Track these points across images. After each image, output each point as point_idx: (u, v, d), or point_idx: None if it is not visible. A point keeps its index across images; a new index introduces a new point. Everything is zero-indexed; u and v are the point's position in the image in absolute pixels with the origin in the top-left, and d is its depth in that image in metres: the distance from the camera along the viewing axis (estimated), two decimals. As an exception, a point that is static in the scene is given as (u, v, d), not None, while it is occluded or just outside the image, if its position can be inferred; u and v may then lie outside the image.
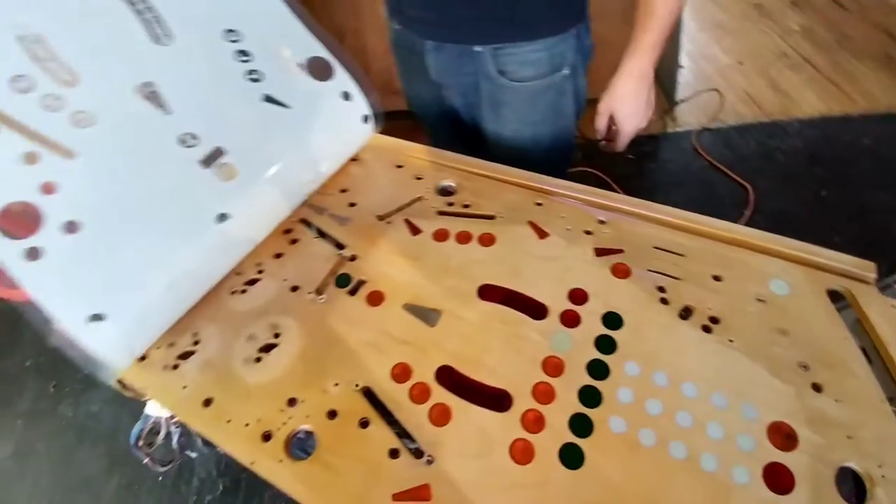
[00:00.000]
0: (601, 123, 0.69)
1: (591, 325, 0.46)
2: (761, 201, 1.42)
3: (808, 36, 2.00)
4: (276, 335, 0.50)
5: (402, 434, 0.42)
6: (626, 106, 0.65)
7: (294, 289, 0.53)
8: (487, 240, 0.54)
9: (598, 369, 0.44)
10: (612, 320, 0.47)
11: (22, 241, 0.40)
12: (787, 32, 2.03)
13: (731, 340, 0.44)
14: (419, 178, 0.62)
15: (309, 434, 0.43)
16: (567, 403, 0.42)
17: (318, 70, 0.59)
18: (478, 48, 0.64)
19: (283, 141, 0.58)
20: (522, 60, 0.64)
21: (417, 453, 0.40)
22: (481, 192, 0.60)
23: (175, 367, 0.49)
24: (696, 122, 1.64)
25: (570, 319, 0.47)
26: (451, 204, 0.59)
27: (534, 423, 0.41)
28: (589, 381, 0.43)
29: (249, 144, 0.55)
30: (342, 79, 0.61)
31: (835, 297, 0.48)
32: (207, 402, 0.46)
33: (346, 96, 0.62)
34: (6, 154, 0.39)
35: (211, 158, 0.52)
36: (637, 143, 1.61)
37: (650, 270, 0.50)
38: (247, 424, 0.44)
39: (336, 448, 0.42)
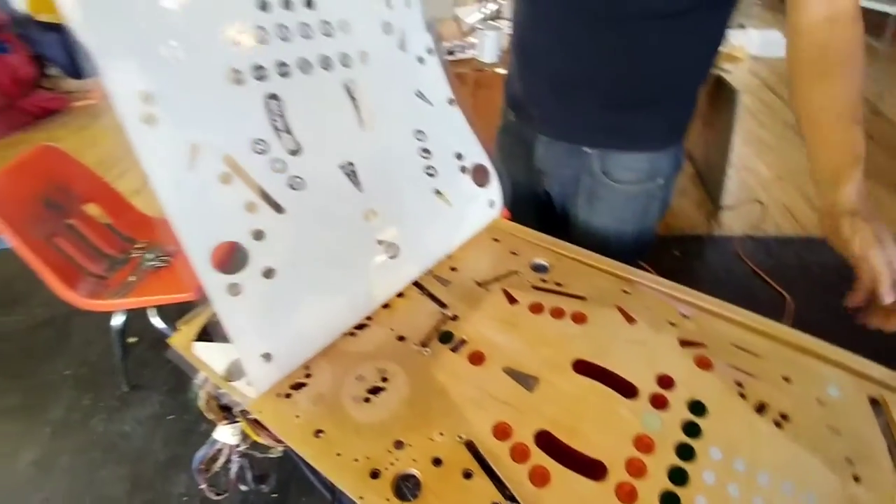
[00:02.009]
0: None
1: (679, 410, 0.50)
2: (799, 310, 1.46)
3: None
4: (384, 379, 0.54)
5: (504, 490, 0.45)
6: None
7: (400, 338, 0.58)
8: (580, 318, 0.60)
9: (686, 451, 0.47)
10: (698, 407, 0.51)
11: (229, 277, 0.47)
12: (823, 155, 2.16)
13: (796, 437, 0.48)
14: (514, 254, 0.69)
15: (413, 478, 0.47)
16: (657, 480, 0.45)
17: (479, 176, 0.71)
18: (587, 150, 0.73)
19: (439, 231, 0.68)
20: (626, 166, 0.73)
21: (519, 509, 0.43)
22: (571, 274, 0.66)
23: (288, 395, 0.54)
24: (740, 229, 1.72)
25: (658, 402, 0.51)
26: (544, 280, 0.65)
27: (628, 495, 0.44)
28: (677, 461, 0.46)
29: (413, 228, 0.64)
30: (494, 187, 0.72)
31: (872, 402, 0.52)
32: (318, 433, 0.50)
33: (491, 204, 0.74)
34: (235, 200, 0.46)
35: (385, 240, 0.61)
36: (684, 241, 1.69)
37: (730, 365, 0.54)
38: (356, 460, 0.48)
39: (441, 494, 0.45)
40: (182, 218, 0.42)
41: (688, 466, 0.46)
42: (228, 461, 0.83)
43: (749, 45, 3.42)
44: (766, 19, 3.72)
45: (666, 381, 0.53)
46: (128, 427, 1.38)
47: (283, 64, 0.48)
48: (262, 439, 0.67)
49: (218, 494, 0.83)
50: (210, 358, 0.59)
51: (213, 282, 0.46)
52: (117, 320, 1.29)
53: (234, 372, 0.57)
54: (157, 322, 1.27)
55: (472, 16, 3.47)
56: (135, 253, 1.35)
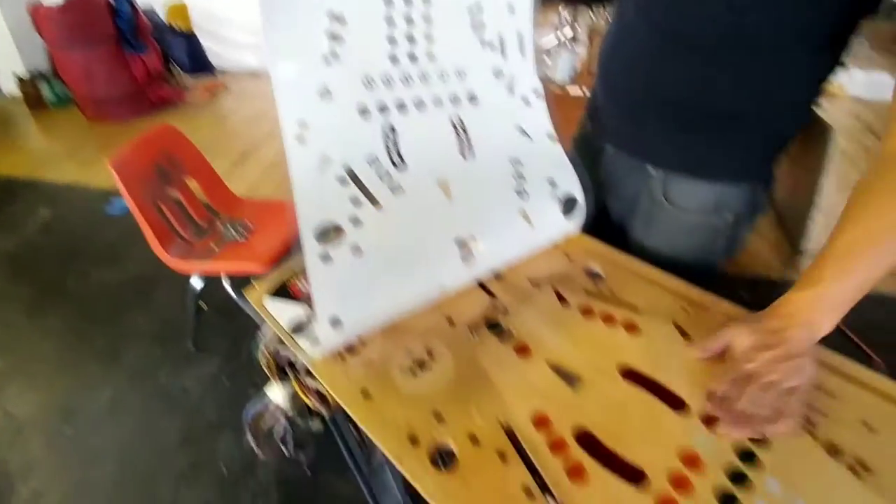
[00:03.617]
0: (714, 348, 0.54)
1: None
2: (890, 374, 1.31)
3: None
4: (430, 356, 0.56)
5: (538, 478, 0.45)
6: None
7: (450, 322, 0.60)
8: (631, 328, 0.59)
9: (737, 476, 0.44)
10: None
11: (324, 247, 0.54)
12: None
13: (879, 490, 0.44)
14: (569, 258, 0.69)
15: (451, 452, 0.48)
16: (703, 499, 0.43)
17: (568, 206, 0.75)
18: (651, 169, 0.72)
19: (516, 245, 0.72)
20: (688, 193, 0.70)
21: (551, 497, 0.43)
22: (626, 284, 0.65)
23: (342, 358, 0.57)
24: (821, 279, 1.59)
25: (710, 421, 0.49)
26: (597, 287, 0.64)
27: (668, 506, 0.43)
28: (727, 483, 0.44)
29: (492, 239, 0.68)
30: (579, 217, 0.75)
31: None
32: (366, 395, 0.52)
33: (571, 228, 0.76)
34: (344, 194, 0.56)
35: (463, 244, 0.67)
36: (755, 284, 1.59)
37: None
38: (397, 425, 0.49)
39: (476, 469, 0.46)
40: (303, 202, 0.52)
41: (738, 491, 0.44)
42: (275, 423, 0.89)
43: (851, 85, 3.16)
44: (874, 59, 3.44)
45: (721, 402, 0.50)
46: (188, 383, 1.49)
47: (402, 105, 0.59)
48: (309, 401, 0.71)
49: (261, 451, 0.88)
50: (278, 312, 0.64)
51: (312, 248, 0.54)
52: (196, 283, 1.41)
53: (298, 327, 0.62)
54: (227, 288, 1.37)
55: (547, 38, 3.51)
56: (218, 225, 1.47)
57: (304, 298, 0.66)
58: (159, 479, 1.26)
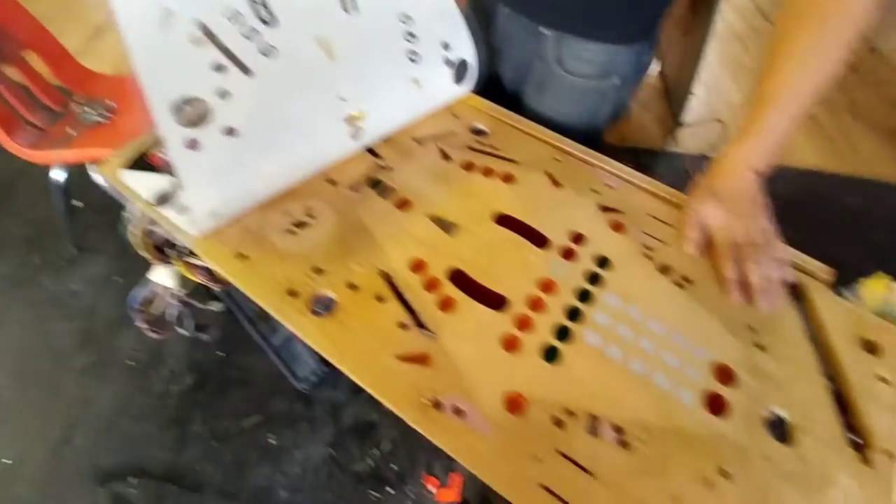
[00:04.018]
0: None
1: (584, 262, 0.54)
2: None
3: (818, 95, 2.12)
4: (311, 216, 0.56)
5: (412, 312, 0.48)
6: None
7: (331, 182, 0.59)
8: (508, 178, 0.61)
9: (584, 295, 0.51)
10: (602, 261, 0.54)
11: (188, 131, 0.47)
12: (798, 87, 2.15)
13: (697, 298, 0.53)
14: (456, 116, 0.68)
15: (330, 299, 0.50)
16: (554, 314, 0.49)
17: (460, 71, 0.70)
18: (545, 31, 0.70)
19: (405, 111, 0.67)
20: (580, 56, 0.70)
21: (422, 328, 0.47)
22: (509, 140, 0.66)
23: (217, 229, 0.54)
24: (696, 148, 1.74)
25: (568, 254, 0.55)
26: (480, 143, 0.65)
27: (523, 323, 0.48)
28: (575, 302, 0.51)
29: (380, 107, 0.63)
30: (471, 82, 0.72)
31: (794, 288, 0.57)
32: (241, 257, 0.52)
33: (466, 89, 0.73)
34: (203, 60, 0.47)
35: (350, 120, 0.60)
36: (637, 154, 1.71)
37: (643, 231, 0.58)
38: (276, 281, 0.50)
39: (353, 312, 0.48)
40: (149, 71, 0.43)
41: (584, 307, 0.50)
42: (167, 306, 0.86)
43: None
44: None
45: (578, 238, 0.56)
46: (76, 286, 1.38)
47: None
48: (196, 279, 0.69)
49: (156, 333, 0.87)
50: (138, 185, 0.59)
51: (174, 134, 0.47)
52: (58, 175, 1.24)
53: (163, 198, 0.57)
54: (98, 179, 1.23)
55: None
56: (73, 106, 1.26)
57: (167, 168, 0.61)
58: (64, 381, 1.22)
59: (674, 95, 1.89)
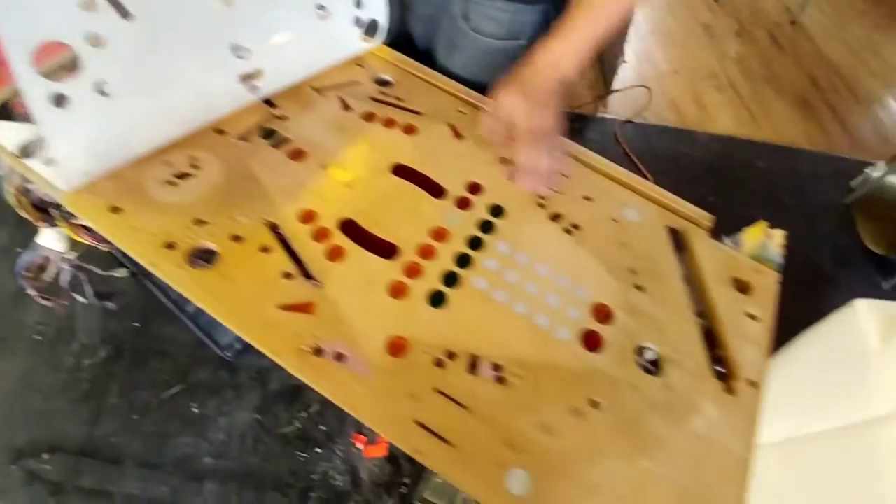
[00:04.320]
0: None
1: (479, 211, 0.55)
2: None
3: (741, 64, 2.22)
4: (194, 166, 0.53)
5: (299, 262, 0.47)
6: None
7: (219, 131, 0.56)
8: (410, 129, 0.60)
9: (475, 242, 0.52)
10: (497, 210, 0.55)
11: (54, 85, 0.41)
12: (724, 56, 2.24)
13: (583, 242, 0.55)
14: (360, 66, 0.66)
15: (211, 252, 0.48)
16: (443, 261, 0.50)
17: (370, 31, 0.67)
18: None
19: (309, 70, 0.63)
20: (486, 14, 0.68)
21: (308, 278, 0.46)
22: (414, 91, 0.65)
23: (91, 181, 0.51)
24: (624, 114, 1.79)
25: (462, 203, 0.55)
26: (384, 94, 0.64)
27: (412, 270, 0.49)
28: (465, 249, 0.51)
29: (285, 66, 0.60)
30: (380, 38, 0.69)
31: (675, 234, 0.60)
32: (116, 210, 0.48)
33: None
34: None
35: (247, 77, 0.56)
36: (570, 119, 1.74)
37: (539, 182, 0.59)
38: (152, 234, 0.47)
39: (235, 264, 0.47)
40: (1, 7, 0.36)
41: (474, 254, 0.51)
42: (59, 272, 0.81)
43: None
44: None
45: (474, 188, 0.57)
46: (-32, 257, 1.27)
47: None
48: (82, 239, 0.65)
49: (50, 301, 0.82)
50: (1, 136, 0.53)
51: (35, 88, 0.41)
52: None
53: (27, 150, 0.52)
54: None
55: None
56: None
57: (30, 117, 0.55)
58: (-41, 361, 1.12)
59: (606, 63, 1.92)
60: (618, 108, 1.82)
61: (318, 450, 1.09)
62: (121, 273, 0.96)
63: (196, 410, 1.11)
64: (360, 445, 1.09)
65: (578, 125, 1.78)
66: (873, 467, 0.71)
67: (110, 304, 1.04)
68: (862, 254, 1.69)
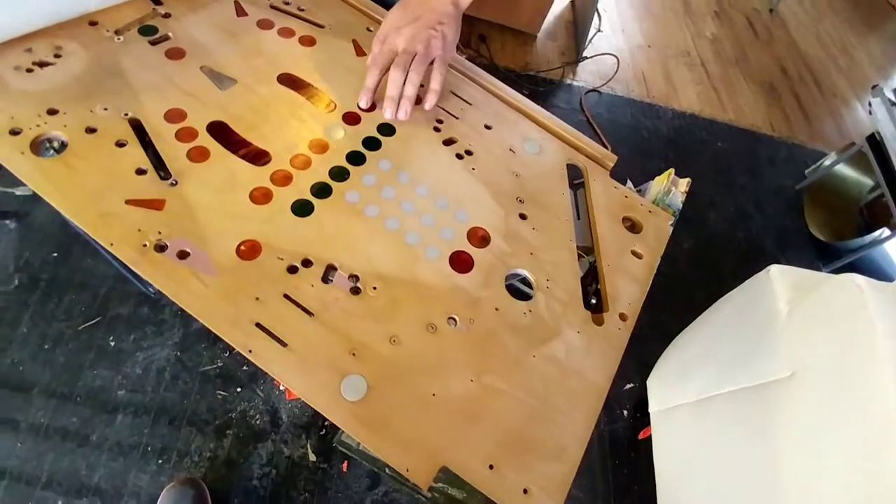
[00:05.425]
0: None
1: (368, 128, 0.52)
2: (618, 163, 1.60)
3: (715, 45, 2.20)
4: (57, 56, 0.49)
5: (156, 159, 0.45)
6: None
7: (92, 23, 0.52)
8: (308, 41, 0.57)
9: (357, 158, 0.50)
10: (387, 129, 0.53)
11: None
12: (699, 35, 2.22)
13: (473, 168, 0.53)
14: (266, -27, 0.62)
15: (61, 141, 0.44)
16: (318, 174, 0.48)
17: None
18: None
19: None
20: None
21: (164, 176, 0.44)
22: (319, 3, 0.61)
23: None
24: (593, 83, 1.77)
25: (351, 119, 0.52)
26: (287, 3, 0.60)
27: (282, 179, 0.46)
28: (345, 164, 0.49)
29: None
30: None
31: (574, 170, 0.59)
32: (-42, 94, 0.44)
33: None
34: None
35: None
36: (536, 82, 1.70)
37: (438, 106, 0.57)
38: (-3, 119, 0.44)
39: (85, 155, 0.43)
40: None
41: (352, 169, 0.49)
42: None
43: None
44: None
45: (371, 106, 0.54)
46: None
47: None
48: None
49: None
50: None
51: None
52: None
53: None
54: None
55: None
56: None
57: None
58: None
59: (579, 30, 1.88)
60: (587, 76, 1.79)
61: (239, 389, 1.08)
62: (21, 191, 0.91)
63: (113, 344, 1.08)
64: (282, 387, 1.08)
65: (545, 88, 1.75)
66: (773, 426, 0.73)
67: (9, 223, 0.97)
68: (807, 239, 1.73)
